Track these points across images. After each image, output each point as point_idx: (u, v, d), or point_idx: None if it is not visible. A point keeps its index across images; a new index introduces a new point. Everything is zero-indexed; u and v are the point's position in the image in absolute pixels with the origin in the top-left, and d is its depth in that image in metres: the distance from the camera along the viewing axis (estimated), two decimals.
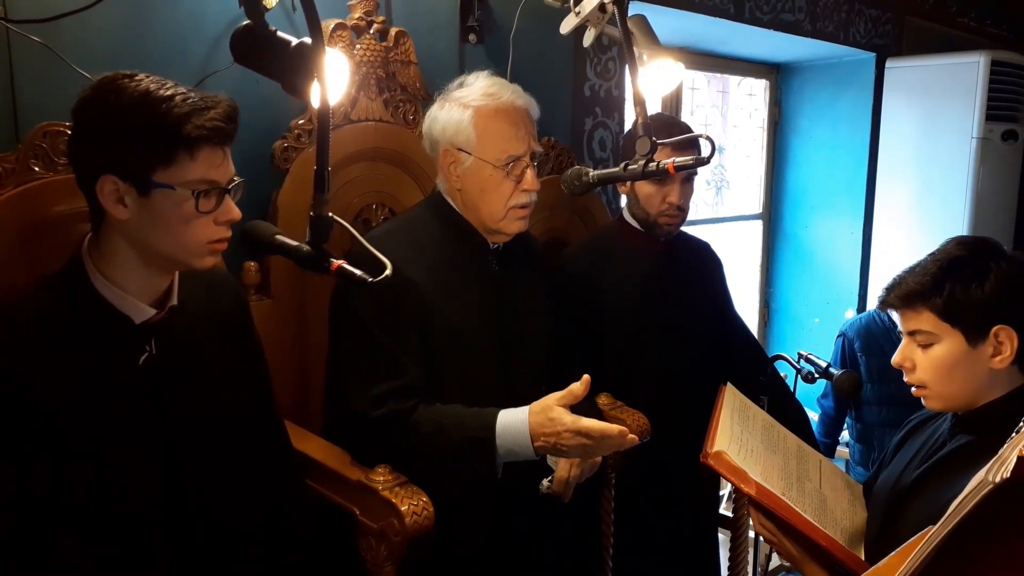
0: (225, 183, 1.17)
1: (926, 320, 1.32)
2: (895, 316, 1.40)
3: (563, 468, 1.65)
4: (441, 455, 1.50)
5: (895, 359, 1.39)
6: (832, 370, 2.09)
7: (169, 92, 1.11)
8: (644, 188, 2.06)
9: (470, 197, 1.66)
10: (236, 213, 1.19)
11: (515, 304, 1.72)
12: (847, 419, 3.09)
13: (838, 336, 3.05)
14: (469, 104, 1.63)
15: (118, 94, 1.10)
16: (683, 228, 2.26)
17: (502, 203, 1.63)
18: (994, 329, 1.28)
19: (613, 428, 1.46)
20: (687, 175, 2.06)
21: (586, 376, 1.48)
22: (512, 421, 1.48)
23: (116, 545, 1.16)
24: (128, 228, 1.14)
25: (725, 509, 2.68)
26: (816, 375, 2.12)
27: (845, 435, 3.19)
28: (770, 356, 2.30)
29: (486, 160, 1.62)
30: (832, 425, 3.11)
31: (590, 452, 1.53)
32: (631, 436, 1.47)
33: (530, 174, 1.65)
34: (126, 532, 1.17)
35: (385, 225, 1.79)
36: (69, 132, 1.42)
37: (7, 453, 1.09)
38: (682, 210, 2.08)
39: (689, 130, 2.08)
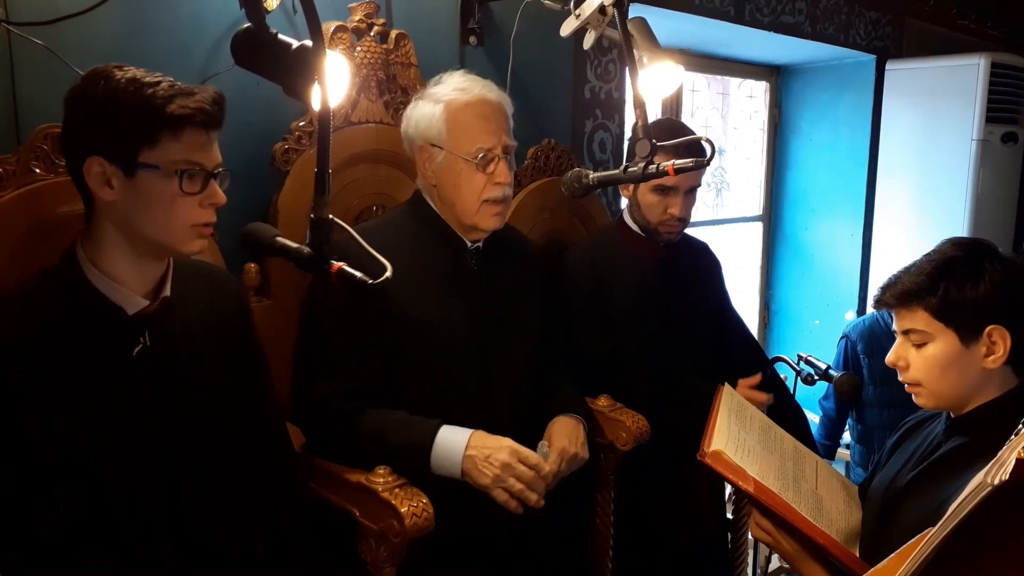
0: (211, 168, 1.19)
1: (920, 319, 1.33)
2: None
3: (553, 461, 1.65)
4: (378, 453, 1.52)
5: (889, 358, 1.40)
6: (832, 372, 2.09)
7: (156, 79, 1.14)
8: (647, 197, 2.06)
9: (445, 192, 1.68)
10: (221, 197, 1.21)
11: (494, 303, 1.72)
12: (848, 421, 3.10)
13: (841, 338, 3.06)
14: (440, 99, 1.65)
15: (106, 80, 1.13)
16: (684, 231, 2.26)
17: (475, 197, 1.65)
18: (987, 329, 1.29)
19: (544, 465, 1.54)
20: (690, 187, 2.06)
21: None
22: (453, 435, 1.53)
23: (111, 535, 1.17)
24: (115, 211, 1.16)
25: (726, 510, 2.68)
26: (816, 377, 2.12)
27: (846, 437, 3.20)
28: (770, 358, 2.31)
29: (457, 154, 1.63)
30: (833, 427, 3.11)
31: (503, 482, 1.52)
32: (538, 490, 1.55)
33: (502, 166, 1.65)
34: (121, 521, 1.18)
35: (364, 224, 1.79)
36: None
37: (6, 445, 1.10)
38: (683, 221, 2.09)
39: (688, 130, 2.08)
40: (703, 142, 1.77)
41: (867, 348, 2.95)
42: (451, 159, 1.64)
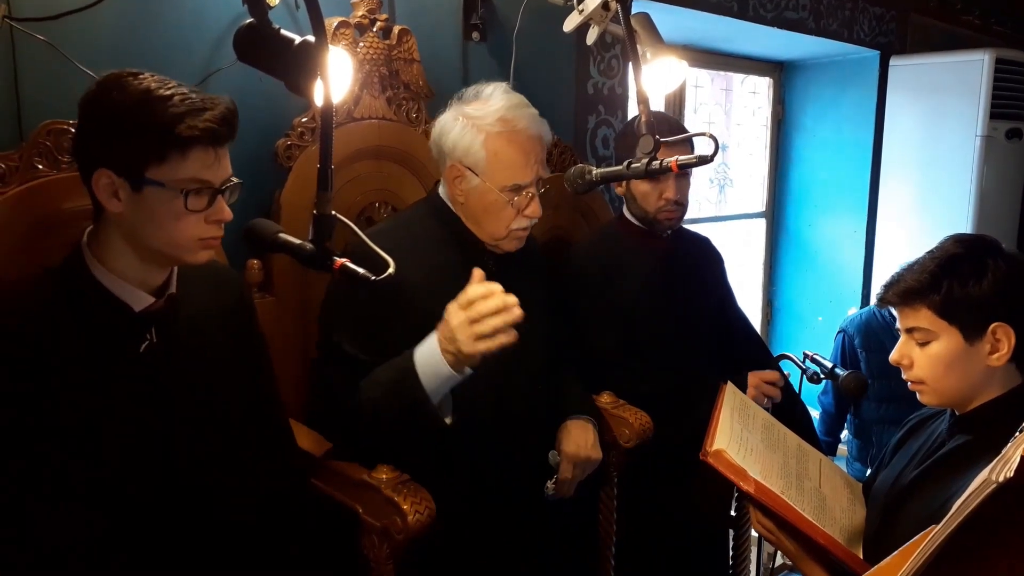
0: (219, 184, 1.18)
1: (924, 317, 1.32)
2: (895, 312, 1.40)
3: (565, 469, 1.67)
4: (375, 398, 1.49)
5: (893, 356, 1.39)
6: (837, 371, 2.08)
7: (168, 92, 1.12)
8: (640, 186, 2.06)
9: (472, 213, 1.68)
10: (227, 214, 1.20)
11: None
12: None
13: (838, 332, 3.06)
14: (483, 128, 1.62)
15: (120, 91, 1.12)
16: (685, 225, 2.26)
17: (503, 226, 1.66)
18: (991, 326, 1.28)
19: (479, 288, 1.42)
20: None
21: (478, 270, 1.47)
22: (427, 342, 1.47)
23: (113, 533, 1.17)
24: (122, 222, 1.16)
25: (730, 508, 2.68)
26: (821, 376, 2.12)
27: (846, 433, 3.20)
28: (775, 356, 2.30)
29: (492, 185, 1.62)
30: (832, 423, 3.11)
31: (473, 332, 1.40)
32: (511, 303, 1.41)
33: (534, 204, 1.66)
34: (122, 520, 1.18)
35: (381, 224, 1.79)
36: (73, 129, 1.43)
37: (9, 440, 1.10)
38: (680, 204, 2.09)
39: (680, 126, 2.08)
40: (706, 138, 1.76)
41: (865, 342, 2.96)
42: (485, 188, 1.63)
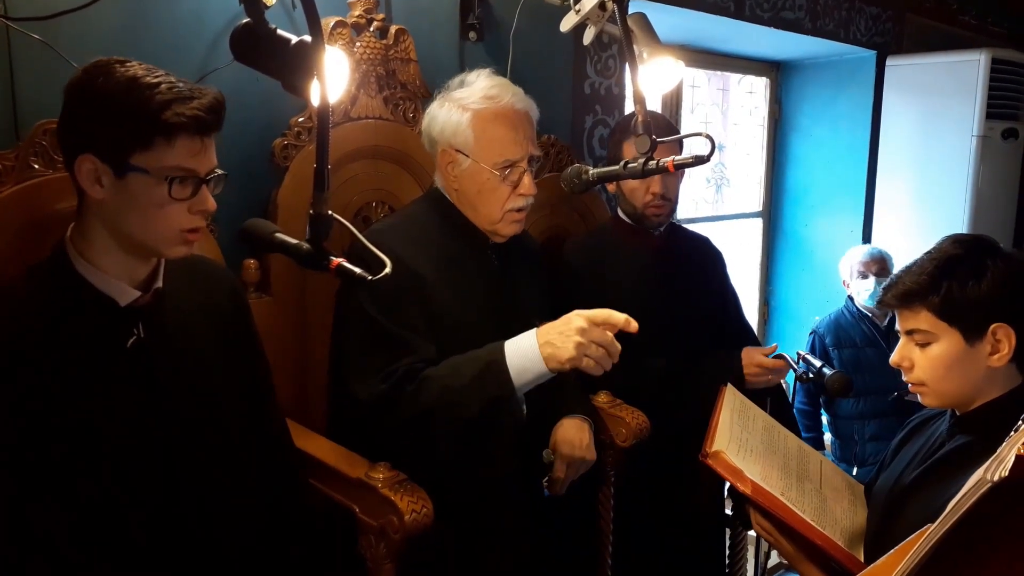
0: (204, 173, 1.17)
1: (924, 319, 1.32)
2: (879, 312, 1.40)
3: (558, 468, 1.67)
4: (455, 387, 1.48)
5: (893, 359, 1.39)
6: (825, 370, 2.10)
7: (156, 80, 1.12)
8: (628, 183, 2.07)
9: (467, 198, 1.67)
10: (211, 204, 1.19)
11: (514, 298, 1.74)
12: (823, 415, 3.17)
13: (810, 334, 3.16)
14: (469, 106, 1.63)
15: (106, 77, 1.11)
16: (684, 225, 2.26)
17: (498, 206, 1.65)
18: (992, 327, 1.28)
19: (614, 315, 1.47)
20: None
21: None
22: (520, 338, 1.49)
23: (108, 532, 1.16)
24: (104, 209, 1.15)
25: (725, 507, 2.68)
26: (809, 375, 2.13)
27: (828, 435, 3.24)
28: (771, 357, 2.30)
29: (483, 164, 1.62)
30: (809, 419, 3.19)
31: (587, 349, 1.44)
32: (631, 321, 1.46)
33: (527, 179, 1.65)
34: (118, 519, 1.17)
35: (386, 220, 1.79)
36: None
37: (4, 443, 1.09)
38: (667, 200, 2.09)
39: (671, 125, 2.09)
40: (703, 138, 1.76)
41: (835, 340, 3.04)
42: (476, 168, 1.63)
